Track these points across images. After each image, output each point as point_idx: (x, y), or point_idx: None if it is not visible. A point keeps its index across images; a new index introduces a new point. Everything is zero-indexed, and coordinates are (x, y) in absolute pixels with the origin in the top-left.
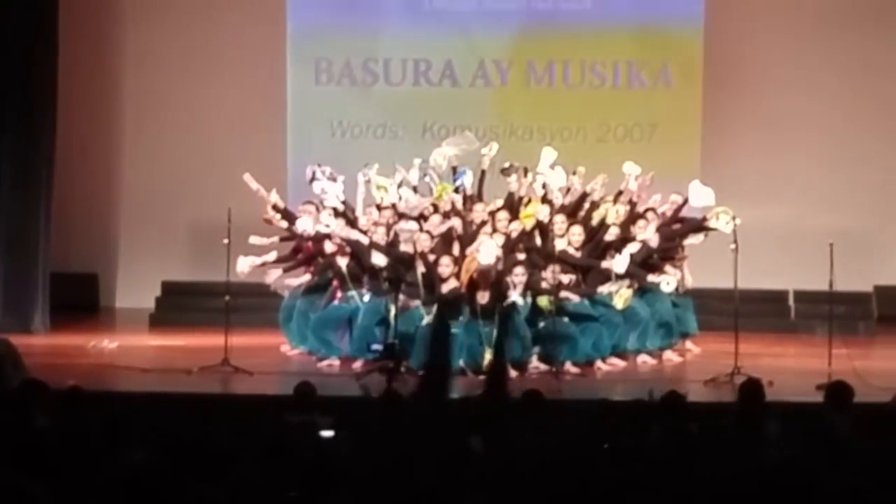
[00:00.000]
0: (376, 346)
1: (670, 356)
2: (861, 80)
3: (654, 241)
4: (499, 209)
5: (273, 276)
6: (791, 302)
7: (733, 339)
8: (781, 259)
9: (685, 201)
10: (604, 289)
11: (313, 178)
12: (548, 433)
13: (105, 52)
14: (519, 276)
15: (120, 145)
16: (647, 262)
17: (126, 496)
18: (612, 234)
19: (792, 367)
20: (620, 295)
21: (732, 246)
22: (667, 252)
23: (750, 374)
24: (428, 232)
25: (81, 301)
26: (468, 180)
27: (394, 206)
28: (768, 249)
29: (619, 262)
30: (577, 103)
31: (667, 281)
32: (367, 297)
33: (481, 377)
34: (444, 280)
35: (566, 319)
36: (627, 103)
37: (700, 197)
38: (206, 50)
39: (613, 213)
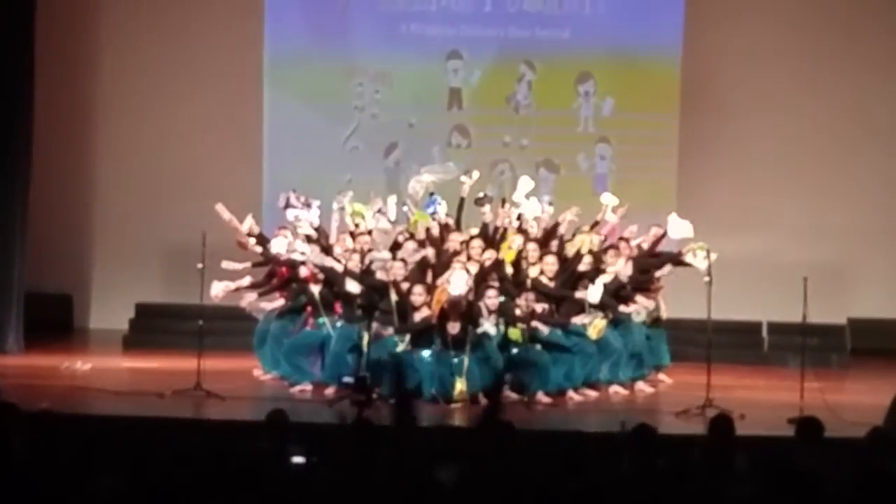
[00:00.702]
0: (347, 379)
1: (642, 387)
2: (840, 112)
3: (625, 272)
4: (472, 237)
5: (248, 299)
6: (764, 334)
7: (706, 370)
8: (755, 291)
9: (664, 233)
10: (577, 320)
11: (287, 205)
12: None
13: (80, 73)
14: (492, 298)
15: (95, 167)
16: (620, 293)
17: None
18: (585, 264)
19: (764, 400)
20: (594, 325)
21: (707, 279)
22: (640, 283)
23: (722, 407)
24: (402, 260)
25: (56, 321)
26: (442, 209)
27: (370, 231)
28: (742, 281)
29: (592, 293)
30: (553, 131)
31: (637, 311)
32: (339, 324)
33: (452, 405)
34: (416, 309)
35: (538, 346)
36: (605, 131)
37: (678, 229)
38: (182, 73)
39: (588, 242)
